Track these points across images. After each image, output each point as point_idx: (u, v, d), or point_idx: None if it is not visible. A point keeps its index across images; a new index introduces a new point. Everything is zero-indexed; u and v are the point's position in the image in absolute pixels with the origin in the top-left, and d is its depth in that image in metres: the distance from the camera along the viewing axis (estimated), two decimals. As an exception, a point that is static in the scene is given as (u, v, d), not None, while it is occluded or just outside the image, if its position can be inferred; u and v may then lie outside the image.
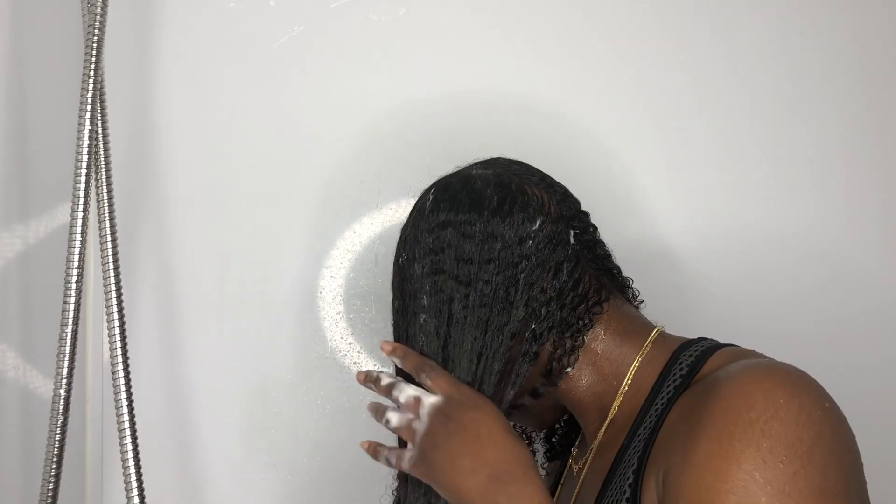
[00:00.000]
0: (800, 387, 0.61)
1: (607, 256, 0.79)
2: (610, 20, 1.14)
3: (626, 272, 0.81)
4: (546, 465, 0.91)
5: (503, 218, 0.73)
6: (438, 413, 0.70)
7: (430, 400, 0.71)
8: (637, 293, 0.81)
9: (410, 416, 0.72)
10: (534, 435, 0.92)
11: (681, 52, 1.14)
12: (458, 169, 0.81)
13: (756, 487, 0.56)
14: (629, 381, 0.72)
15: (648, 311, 0.81)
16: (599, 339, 0.74)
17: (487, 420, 0.69)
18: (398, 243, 0.80)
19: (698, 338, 0.73)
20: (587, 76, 1.14)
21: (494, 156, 0.82)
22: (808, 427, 0.58)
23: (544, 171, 0.81)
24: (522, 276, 0.72)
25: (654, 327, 0.76)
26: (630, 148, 1.13)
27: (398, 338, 0.78)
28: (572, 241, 0.75)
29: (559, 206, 0.77)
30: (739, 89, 1.13)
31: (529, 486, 0.66)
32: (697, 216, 1.13)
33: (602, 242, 0.80)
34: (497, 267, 0.72)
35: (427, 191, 0.80)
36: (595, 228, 0.80)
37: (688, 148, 1.13)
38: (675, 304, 1.07)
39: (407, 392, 0.72)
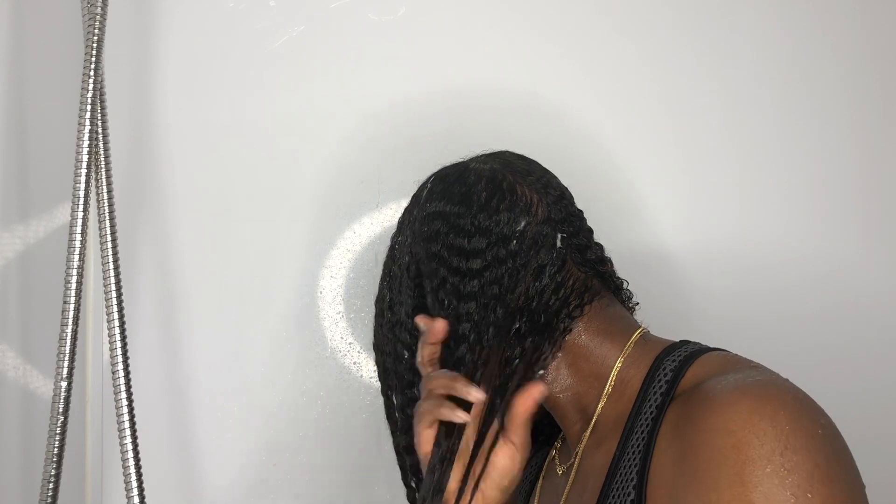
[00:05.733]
0: (798, 408, 0.59)
1: (600, 260, 0.78)
2: (613, 20, 1.14)
3: (621, 276, 0.80)
4: None
5: (490, 215, 0.74)
6: None
7: None
8: (630, 294, 0.81)
9: None
10: None
11: (687, 57, 1.14)
12: (462, 160, 0.82)
13: None
14: (612, 383, 0.71)
15: (644, 315, 0.80)
16: (578, 339, 0.73)
17: None
18: (398, 223, 0.83)
19: (681, 340, 0.72)
20: (589, 77, 1.14)
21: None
22: (817, 451, 0.57)
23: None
24: (507, 275, 0.72)
25: (636, 328, 0.74)
26: (632, 151, 1.13)
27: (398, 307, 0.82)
28: (559, 244, 0.75)
29: (549, 207, 0.76)
30: (746, 96, 1.14)
31: None
32: (697, 222, 1.13)
33: (598, 246, 0.79)
34: (483, 262, 0.73)
35: (428, 178, 0.82)
36: (590, 231, 0.79)
37: (690, 153, 1.13)
38: (671, 309, 1.07)
39: None
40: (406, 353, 0.82)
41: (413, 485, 0.83)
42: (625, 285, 0.80)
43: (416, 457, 0.77)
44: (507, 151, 0.83)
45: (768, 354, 0.71)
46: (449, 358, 0.75)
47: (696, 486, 0.59)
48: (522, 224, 0.74)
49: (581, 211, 0.80)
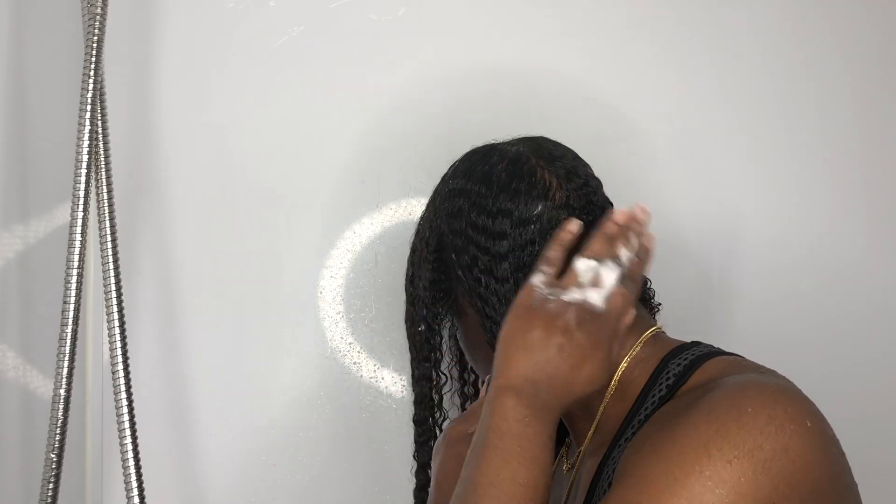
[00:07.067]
0: (776, 400, 0.58)
1: None
2: (620, 17, 1.14)
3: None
4: None
5: (509, 197, 0.74)
6: None
7: None
8: (653, 293, 0.79)
9: None
10: None
11: (703, 51, 1.14)
12: (494, 140, 0.81)
13: (700, 479, 0.55)
14: (616, 383, 0.70)
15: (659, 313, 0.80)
16: None
17: None
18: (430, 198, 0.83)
19: (692, 342, 0.71)
20: (593, 76, 1.14)
21: None
22: (775, 439, 0.56)
23: None
24: (529, 260, 0.72)
25: (650, 327, 0.73)
26: (635, 151, 1.13)
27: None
28: None
29: (569, 194, 0.74)
30: (754, 87, 1.14)
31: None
32: (706, 211, 1.13)
33: None
34: (511, 244, 0.73)
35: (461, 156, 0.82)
36: None
37: (701, 142, 1.14)
38: (680, 300, 1.07)
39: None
40: (422, 325, 0.81)
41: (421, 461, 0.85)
42: (649, 284, 0.79)
43: (427, 430, 0.81)
44: (542, 136, 0.82)
45: (788, 353, 0.70)
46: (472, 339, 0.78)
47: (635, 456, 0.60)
48: (539, 208, 0.73)
49: (609, 203, 0.79)
